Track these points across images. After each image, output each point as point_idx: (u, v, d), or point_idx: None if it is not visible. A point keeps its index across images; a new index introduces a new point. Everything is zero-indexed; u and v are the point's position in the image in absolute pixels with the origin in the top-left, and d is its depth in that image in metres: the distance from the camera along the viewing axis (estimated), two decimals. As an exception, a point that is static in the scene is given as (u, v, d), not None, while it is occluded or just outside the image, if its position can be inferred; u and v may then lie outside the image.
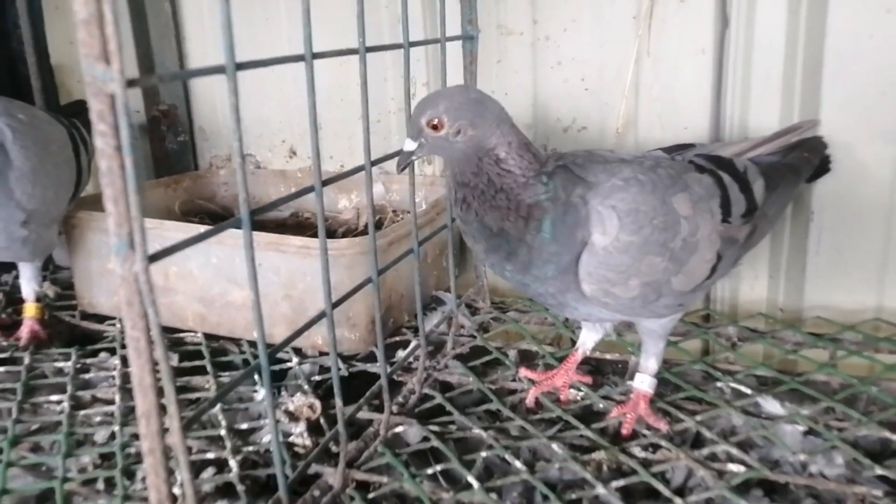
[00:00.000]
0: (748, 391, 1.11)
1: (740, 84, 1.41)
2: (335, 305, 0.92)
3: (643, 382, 1.07)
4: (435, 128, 0.93)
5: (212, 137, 1.87)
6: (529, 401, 1.13)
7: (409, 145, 0.97)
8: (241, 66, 0.69)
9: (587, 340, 1.18)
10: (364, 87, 0.96)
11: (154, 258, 0.61)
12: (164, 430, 0.65)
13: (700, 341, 1.33)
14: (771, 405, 1.07)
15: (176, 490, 0.67)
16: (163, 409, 0.63)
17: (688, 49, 1.42)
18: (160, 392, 0.63)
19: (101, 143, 0.54)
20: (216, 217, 1.71)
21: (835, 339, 1.25)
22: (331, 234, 1.63)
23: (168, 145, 1.84)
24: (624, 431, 1.04)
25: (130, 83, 0.54)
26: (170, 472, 0.65)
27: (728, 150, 1.15)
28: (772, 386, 1.14)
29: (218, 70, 0.68)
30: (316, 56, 0.84)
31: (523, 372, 1.20)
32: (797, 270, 1.43)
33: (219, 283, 1.32)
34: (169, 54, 1.80)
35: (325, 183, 0.88)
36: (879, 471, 0.92)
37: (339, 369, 1.25)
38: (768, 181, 1.08)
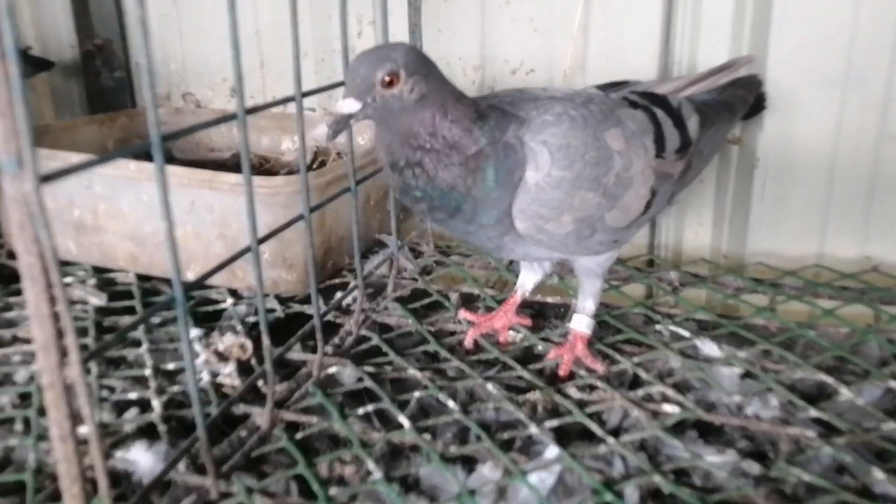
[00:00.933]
0: (687, 334, 1.10)
1: (689, 28, 1.39)
2: (262, 241, 0.88)
3: (580, 323, 1.06)
4: (390, 83, 0.84)
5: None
6: (468, 342, 1.12)
7: (351, 106, 0.85)
8: None
9: (526, 282, 1.16)
10: (293, 7, 0.92)
11: (47, 179, 0.57)
12: (63, 363, 0.61)
13: (643, 286, 1.32)
14: (709, 348, 1.07)
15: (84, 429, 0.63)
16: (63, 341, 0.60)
17: (637, -11, 1.39)
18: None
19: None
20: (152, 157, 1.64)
21: (775, 284, 1.25)
22: (273, 175, 1.58)
23: (103, 81, 1.76)
24: (561, 372, 1.02)
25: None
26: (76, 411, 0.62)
27: (663, 88, 1.13)
28: (711, 329, 1.14)
29: None
30: None
31: (462, 314, 1.18)
32: (741, 217, 1.43)
33: (151, 221, 1.27)
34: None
35: (249, 111, 0.83)
36: (814, 412, 0.92)
37: (273, 309, 1.22)
38: (703, 118, 1.07)
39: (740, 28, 1.35)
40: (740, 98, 1.18)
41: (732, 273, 1.29)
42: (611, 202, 0.93)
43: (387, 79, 0.84)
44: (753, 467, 0.85)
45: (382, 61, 0.84)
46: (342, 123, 0.86)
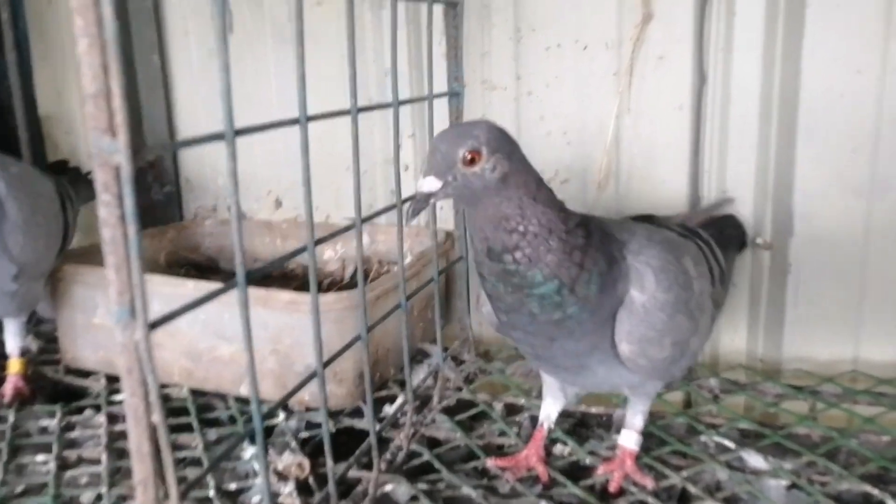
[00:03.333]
0: (731, 445, 1.13)
1: (717, 139, 1.45)
2: (326, 364, 0.93)
3: (629, 439, 1.08)
4: (472, 161, 0.82)
5: (197, 188, 1.88)
6: (509, 478, 1.08)
7: (431, 184, 0.83)
8: (239, 133, 0.72)
9: (552, 413, 1.13)
10: (356, 146, 0.99)
11: (155, 325, 0.62)
12: (160, 498, 0.65)
13: (682, 393, 1.35)
14: (754, 459, 1.09)
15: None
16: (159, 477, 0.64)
17: (666, 105, 1.46)
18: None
19: (105, 212, 0.56)
20: (201, 268, 1.72)
21: (814, 391, 1.27)
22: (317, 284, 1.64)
23: (154, 196, 1.85)
24: (611, 489, 1.05)
25: (136, 154, 0.55)
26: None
27: (671, 222, 1.19)
28: (754, 439, 1.16)
29: (217, 137, 0.70)
30: (310, 119, 0.86)
31: (491, 462, 1.12)
32: (776, 322, 1.46)
33: (207, 338, 1.32)
34: (158, 113, 1.82)
35: (317, 242, 0.90)
36: (862, 527, 0.94)
37: (316, 432, 1.25)
38: (724, 251, 1.14)
39: (766, 138, 1.41)
40: (733, 237, 1.30)
41: (771, 380, 1.32)
42: (694, 325, 0.96)
43: (468, 156, 0.82)
44: (809, 587, 0.87)
45: (464, 138, 0.83)
46: (422, 202, 0.84)
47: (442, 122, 1.47)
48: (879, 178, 1.35)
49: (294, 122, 0.85)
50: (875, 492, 1.00)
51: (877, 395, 1.24)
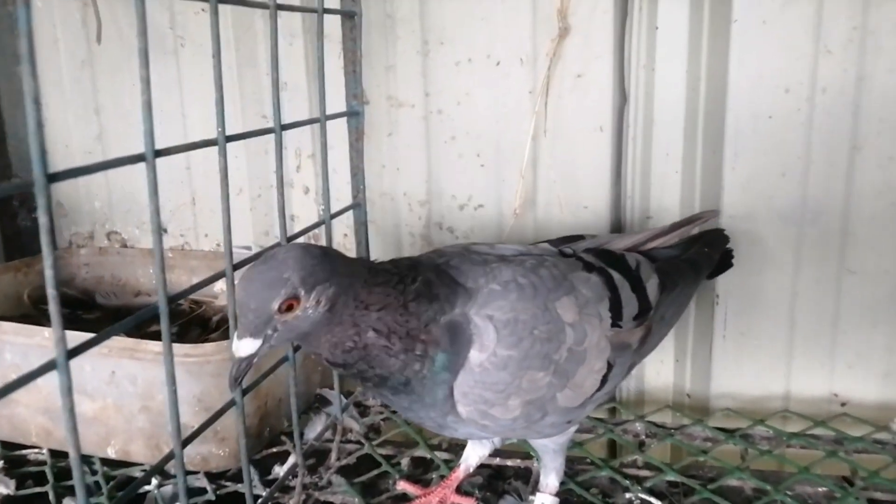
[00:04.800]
0: (658, 503, 1.02)
1: (640, 162, 1.36)
2: (185, 444, 0.78)
3: (545, 502, 0.97)
4: (290, 308, 0.73)
5: (72, 213, 1.68)
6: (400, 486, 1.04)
7: (248, 347, 0.74)
8: (159, 154, 0.70)
9: (471, 456, 1.06)
10: (224, 179, 0.85)
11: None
12: None
13: (606, 440, 1.24)
14: (684, 522, 0.98)
15: None
16: None
17: (586, 125, 1.35)
18: None
19: None
20: (75, 303, 1.52)
21: (745, 434, 1.18)
22: (205, 322, 1.48)
23: (21, 223, 1.64)
24: None
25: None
26: None
27: (622, 243, 1.07)
28: (683, 494, 1.06)
29: (138, 159, 0.68)
30: (159, 154, 0.73)
31: (401, 485, 1.08)
32: (703, 355, 1.37)
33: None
34: (24, 130, 1.62)
35: (171, 299, 0.74)
36: None
37: (204, 490, 1.09)
38: (665, 279, 1.00)
39: (692, 161, 1.32)
40: (706, 255, 1.12)
41: (700, 423, 1.22)
42: (563, 380, 0.85)
43: (288, 302, 0.73)
44: None
45: (275, 286, 0.73)
46: (244, 367, 0.75)
47: (342, 139, 1.34)
48: (811, 203, 1.27)
49: (139, 158, 0.70)
50: (817, 559, 0.90)
51: (810, 438, 1.16)
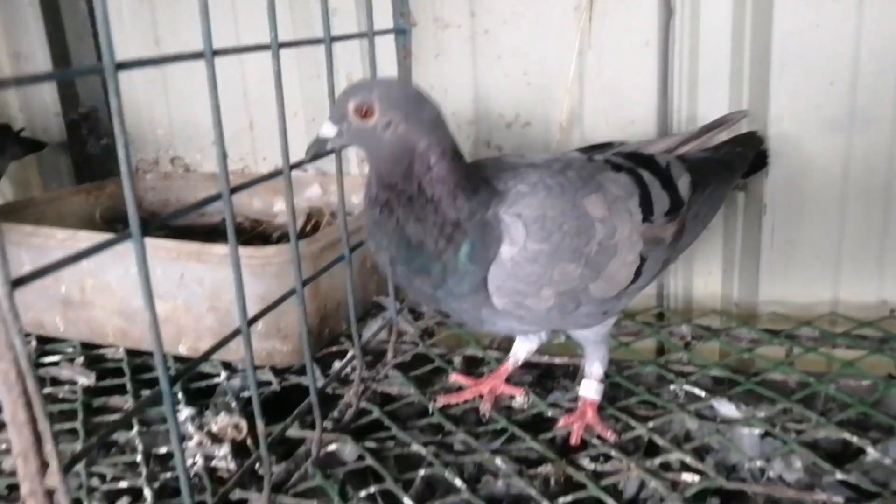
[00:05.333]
0: (702, 394, 1.05)
1: (687, 75, 1.36)
2: (252, 322, 0.84)
3: (589, 389, 1.01)
4: (364, 115, 0.82)
5: (137, 141, 1.76)
6: (439, 404, 1.08)
7: (328, 130, 0.85)
8: (122, 66, 0.62)
9: (519, 350, 1.11)
10: (278, 84, 0.88)
11: (20, 282, 0.52)
12: (44, 471, 0.57)
13: (653, 341, 1.27)
14: (726, 408, 1.02)
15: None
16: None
17: (631, 40, 1.36)
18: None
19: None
20: (144, 224, 1.61)
21: (791, 335, 1.20)
22: (266, 239, 1.55)
23: (90, 150, 1.73)
24: (572, 441, 0.97)
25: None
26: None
27: (652, 147, 1.09)
28: (727, 387, 1.09)
29: (198, 55, 0.69)
30: (217, 53, 0.76)
31: (454, 377, 1.14)
32: (751, 265, 1.39)
33: (140, 295, 1.22)
34: (87, 53, 1.69)
35: (234, 190, 0.80)
36: (840, 475, 0.87)
37: (269, 382, 1.16)
38: (697, 177, 1.02)
39: (739, 73, 1.32)
40: (738, 155, 1.13)
41: (746, 325, 1.24)
42: (594, 272, 0.88)
43: (363, 108, 0.82)
44: (782, 538, 0.80)
45: (360, 91, 0.83)
46: (318, 146, 0.86)
47: (391, 63, 1.37)
48: (859, 111, 1.26)
49: (198, 55, 0.74)
50: (854, 439, 0.93)
51: (856, 337, 1.17)
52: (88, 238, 1.22)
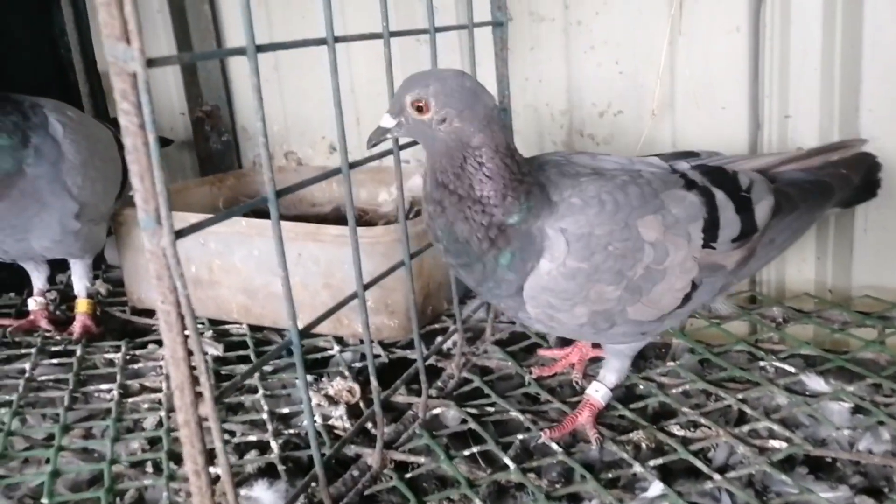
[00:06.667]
0: (793, 370, 1.09)
1: (778, 62, 1.38)
2: (367, 287, 0.93)
3: (597, 391, 1.02)
4: (419, 109, 0.84)
5: (254, 136, 1.91)
6: (534, 375, 1.15)
7: (387, 121, 0.88)
8: (261, 49, 0.72)
9: None
10: (389, 71, 0.97)
11: (180, 234, 0.63)
12: (197, 402, 0.67)
13: (745, 323, 1.30)
14: (816, 383, 1.05)
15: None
16: (196, 382, 0.66)
17: (721, 27, 1.39)
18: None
19: (125, 120, 0.56)
20: (259, 214, 1.74)
21: (883, 316, 1.22)
22: (372, 226, 1.65)
23: (212, 145, 1.88)
24: (552, 434, 0.98)
25: (150, 62, 0.56)
26: (210, 452, 0.67)
27: (746, 164, 1.04)
28: (818, 365, 1.12)
29: (238, 51, 0.71)
30: (338, 40, 0.85)
31: (542, 352, 1.22)
32: (845, 251, 1.40)
33: (261, 274, 1.34)
34: (207, 41, 1.84)
35: (352, 166, 0.89)
36: (928, 445, 0.90)
37: (378, 355, 1.26)
38: (783, 201, 0.98)
39: (830, 58, 1.33)
40: (840, 177, 1.04)
41: (838, 307, 1.26)
42: (635, 296, 0.88)
43: (418, 103, 0.84)
44: (868, 503, 0.83)
45: (416, 85, 0.85)
46: (378, 134, 0.90)
47: (488, 56, 1.44)
48: (956, 94, 1.26)
49: (321, 41, 0.83)
50: (944, 412, 0.95)
51: (951, 319, 1.18)
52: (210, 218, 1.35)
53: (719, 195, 0.93)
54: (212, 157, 1.88)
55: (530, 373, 1.16)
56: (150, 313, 1.50)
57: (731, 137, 1.43)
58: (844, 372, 1.08)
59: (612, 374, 1.02)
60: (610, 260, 0.86)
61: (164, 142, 1.81)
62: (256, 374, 1.22)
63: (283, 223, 1.28)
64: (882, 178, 1.13)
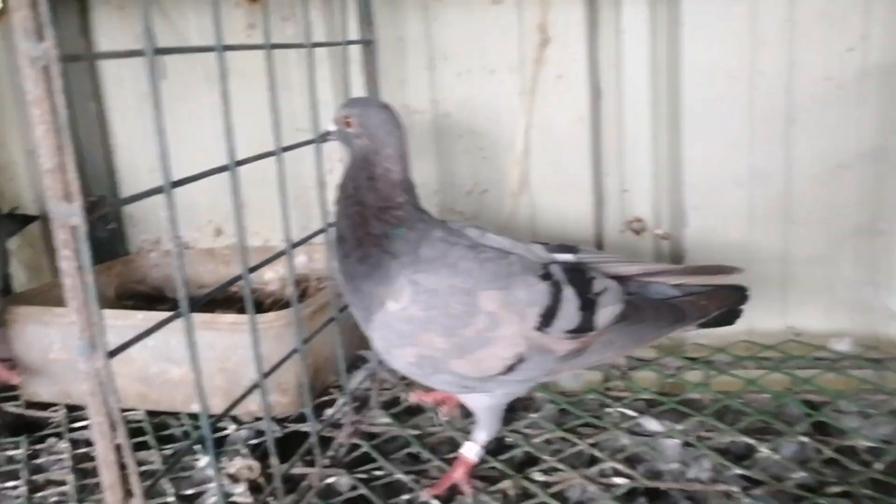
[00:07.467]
0: (634, 413, 1.28)
1: (615, 144, 1.61)
2: (266, 375, 1.05)
3: (470, 451, 1.15)
4: (347, 124, 1.09)
5: (141, 223, 1.98)
6: (413, 398, 1.37)
7: (330, 126, 1.14)
8: (176, 184, 0.86)
9: None
10: (282, 184, 1.11)
11: (113, 353, 0.74)
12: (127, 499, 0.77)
13: (598, 373, 1.49)
14: (652, 424, 1.24)
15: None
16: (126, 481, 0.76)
17: (568, 118, 1.61)
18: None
19: (66, 265, 0.68)
20: (149, 298, 1.82)
21: (708, 360, 1.43)
22: (258, 305, 1.76)
23: (99, 234, 1.94)
24: (434, 491, 1.12)
25: (88, 213, 0.67)
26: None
27: (624, 269, 1.15)
28: (656, 407, 1.31)
29: (157, 191, 0.86)
30: (239, 163, 0.99)
31: (414, 396, 1.38)
32: (679, 304, 1.62)
33: (157, 363, 1.42)
34: (97, 154, 1.92)
35: (252, 269, 1.02)
36: (738, 470, 1.10)
37: (274, 431, 1.37)
38: (632, 312, 1.08)
39: (657, 141, 1.58)
40: (699, 308, 1.13)
41: (672, 354, 1.48)
42: (460, 352, 1.02)
43: (346, 119, 1.09)
44: (693, 523, 1.02)
45: (349, 106, 1.11)
46: (324, 136, 1.17)
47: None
48: (757, 169, 1.52)
49: (224, 169, 0.97)
50: (752, 441, 1.16)
51: (761, 359, 1.41)
52: (114, 315, 1.42)
53: (567, 291, 1.05)
54: (99, 245, 1.92)
55: (408, 397, 1.36)
56: (45, 406, 1.54)
57: (578, 211, 1.65)
58: (676, 412, 1.28)
59: (481, 432, 1.15)
60: (444, 317, 1.01)
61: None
62: (157, 459, 1.30)
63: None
64: (744, 310, 1.20)
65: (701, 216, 1.57)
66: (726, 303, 1.16)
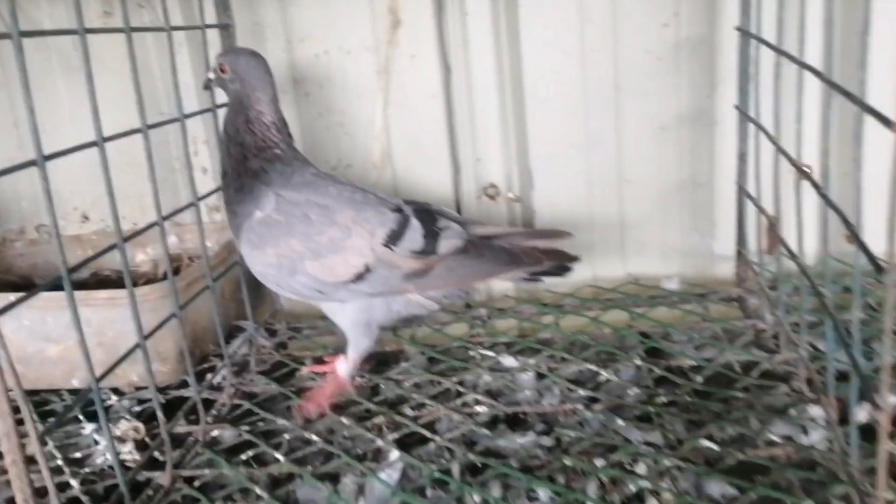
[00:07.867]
0: (493, 354, 1.42)
1: (467, 117, 1.74)
2: (146, 337, 1.11)
3: (340, 366, 1.30)
4: (222, 70, 1.26)
5: (3, 214, 1.95)
6: (306, 370, 1.46)
7: (210, 74, 1.30)
8: (49, 157, 0.90)
9: None
10: (149, 159, 1.17)
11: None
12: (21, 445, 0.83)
13: (463, 325, 1.62)
14: (509, 361, 1.39)
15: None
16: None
17: (422, 94, 1.73)
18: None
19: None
20: (17, 287, 1.80)
21: (559, 305, 1.60)
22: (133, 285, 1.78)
23: (-43, 225, 1.90)
24: (303, 410, 1.27)
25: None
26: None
27: (481, 229, 1.28)
28: (513, 347, 1.46)
29: (30, 164, 0.91)
30: (106, 139, 1.04)
31: (306, 370, 1.46)
32: (532, 260, 1.78)
33: (34, 342, 1.44)
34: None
35: (126, 239, 1.08)
36: (583, 392, 1.27)
37: (148, 405, 1.41)
38: (472, 248, 1.22)
39: (504, 113, 1.72)
40: (534, 257, 1.25)
41: (528, 303, 1.63)
42: (314, 255, 1.18)
43: (222, 66, 1.27)
44: (545, 440, 1.17)
45: (223, 54, 1.31)
46: (205, 83, 1.33)
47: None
48: (592, 134, 1.69)
49: (93, 144, 1.02)
50: (597, 369, 1.33)
51: (604, 301, 1.59)
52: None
53: (413, 221, 1.22)
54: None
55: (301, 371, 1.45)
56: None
57: (437, 180, 1.78)
58: (531, 350, 1.44)
59: (352, 350, 1.29)
60: (302, 224, 1.18)
61: None
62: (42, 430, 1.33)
63: (54, 294, 1.42)
64: (573, 268, 1.32)
65: (546, 179, 1.73)
66: (558, 259, 1.28)
